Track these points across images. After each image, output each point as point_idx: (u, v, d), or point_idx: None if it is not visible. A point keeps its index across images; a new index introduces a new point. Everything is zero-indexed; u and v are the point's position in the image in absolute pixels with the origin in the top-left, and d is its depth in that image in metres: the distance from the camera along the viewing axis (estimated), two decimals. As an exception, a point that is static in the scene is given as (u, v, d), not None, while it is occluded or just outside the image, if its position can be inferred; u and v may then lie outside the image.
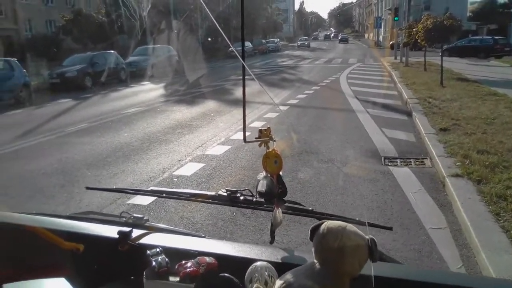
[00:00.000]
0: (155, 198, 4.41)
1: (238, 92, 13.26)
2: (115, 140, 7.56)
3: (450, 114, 8.08)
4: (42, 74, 17.11)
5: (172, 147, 6.99)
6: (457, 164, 5.10)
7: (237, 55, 1.31)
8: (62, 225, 1.35)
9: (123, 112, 10.60)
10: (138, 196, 4.49)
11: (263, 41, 48.27)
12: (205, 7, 1.57)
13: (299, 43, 59.06)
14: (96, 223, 1.40)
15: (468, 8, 49.56)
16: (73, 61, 17.83)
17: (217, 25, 1.44)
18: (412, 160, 5.83)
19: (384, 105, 10.33)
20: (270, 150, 1.19)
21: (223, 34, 1.45)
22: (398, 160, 5.84)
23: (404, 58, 20.52)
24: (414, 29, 14.40)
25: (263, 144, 1.20)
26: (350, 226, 0.94)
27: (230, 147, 6.80)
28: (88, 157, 6.50)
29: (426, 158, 5.84)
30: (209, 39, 38.92)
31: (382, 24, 56.31)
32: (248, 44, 39.92)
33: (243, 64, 1.18)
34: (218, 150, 6.69)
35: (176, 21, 26.86)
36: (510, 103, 8.91)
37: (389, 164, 5.73)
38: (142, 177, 5.46)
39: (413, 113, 8.66)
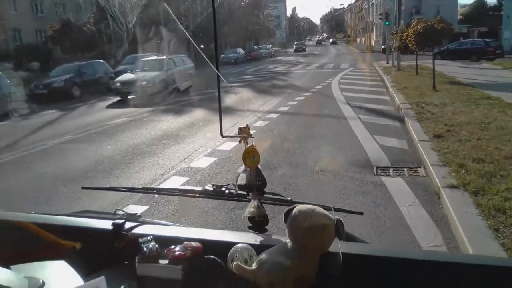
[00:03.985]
0: (149, 206, 4.59)
1: (228, 100, 13.03)
2: (97, 153, 7.26)
3: (443, 119, 7.86)
4: (29, 85, 16.73)
5: (156, 159, 6.71)
6: (452, 174, 4.85)
7: (206, 59, 1.60)
8: (60, 221, 1.45)
9: (109, 123, 10.31)
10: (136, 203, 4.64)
11: (255, 47, 48.15)
12: (180, 23, 1.66)
13: (295, 47, 57.34)
14: (92, 219, 1.48)
15: (458, 11, 49.88)
16: (61, 71, 17.53)
17: (189, 37, 1.71)
18: (405, 169, 5.58)
19: (376, 111, 10.11)
20: (249, 146, 1.31)
21: (197, 47, 1.68)
22: (391, 170, 5.59)
23: (396, 62, 20.40)
24: (404, 34, 14.24)
25: (242, 141, 1.31)
26: (319, 209, 1.04)
27: (216, 158, 6.54)
28: (68, 172, 6.20)
29: (420, 167, 5.59)
30: (202, 46, 38.72)
31: (374, 28, 56.54)
32: (240, 50, 39.85)
33: (217, 66, 1.39)
34: (203, 162, 6.41)
35: (165, 29, 26.83)
36: (504, 107, 8.71)
37: (382, 174, 5.48)
38: (121, 193, 5.17)
39: (406, 119, 8.44)
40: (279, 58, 44.60)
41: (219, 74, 1.39)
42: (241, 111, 10.37)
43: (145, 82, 14.98)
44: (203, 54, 1.66)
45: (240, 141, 1.32)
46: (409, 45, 13.48)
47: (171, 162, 6.54)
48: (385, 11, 28.24)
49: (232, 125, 8.91)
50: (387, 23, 27.22)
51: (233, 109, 11.11)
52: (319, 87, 16.06)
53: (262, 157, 1.31)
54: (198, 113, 11.08)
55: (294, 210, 1.04)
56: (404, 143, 6.97)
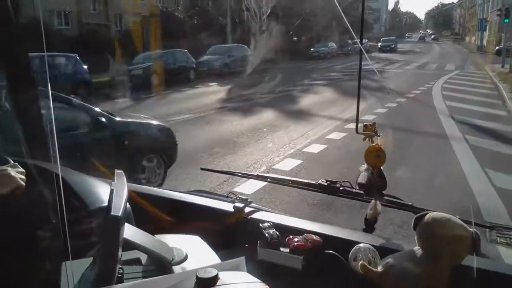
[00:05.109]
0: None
1: (305, 101, 11.55)
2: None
3: None
4: (109, 71, 16.69)
5: (198, 175, 5.51)
6: None
7: (360, 44, 1.54)
8: (185, 197, 1.59)
9: (170, 120, 9.38)
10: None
11: (350, 41, 45.41)
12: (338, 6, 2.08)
13: (379, 44, 44.50)
14: (213, 199, 1.59)
15: None
16: (142, 58, 17.36)
17: (348, 25, 1.53)
18: (537, 236, 3.69)
19: (488, 131, 7.91)
20: (373, 144, 1.34)
21: (351, 30, 1.66)
22: (514, 234, 3.74)
23: (515, 67, 17.15)
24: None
25: (367, 139, 1.36)
26: (455, 218, 1.00)
27: (267, 183, 5.15)
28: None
29: None
30: (294, 38, 37.27)
31: (487, 26, 50.62)
32: (332, 44, 37.81)
33: (360, 55, 1.51)
34: (251, 185, 5.05)
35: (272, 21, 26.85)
36: None
37: (498, 237, 3.64)
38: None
39: (533, 147, 6.29)
40: (374, 54, 41.50)
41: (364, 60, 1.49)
42: (316, 116, 8.81)
43: None
44: (361, 46, 1.53)
45: (364, 139, 1.35)
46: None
47: (213, 180, 5.29)
48: (505, 7, 24.43)
49: (300, 134, 7.51)
50: (506, 20, 23.47)
51: (308, 113, 9.63)
52: (417, 91, 13.82)
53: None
54: (266, 115, 9.75)
55: (427, 216, 1.00)
56: (533, 187, 4.95)
